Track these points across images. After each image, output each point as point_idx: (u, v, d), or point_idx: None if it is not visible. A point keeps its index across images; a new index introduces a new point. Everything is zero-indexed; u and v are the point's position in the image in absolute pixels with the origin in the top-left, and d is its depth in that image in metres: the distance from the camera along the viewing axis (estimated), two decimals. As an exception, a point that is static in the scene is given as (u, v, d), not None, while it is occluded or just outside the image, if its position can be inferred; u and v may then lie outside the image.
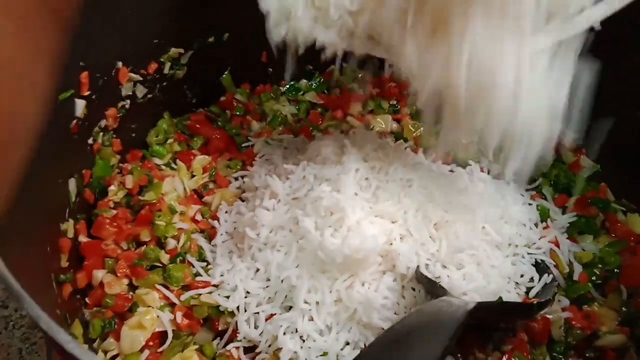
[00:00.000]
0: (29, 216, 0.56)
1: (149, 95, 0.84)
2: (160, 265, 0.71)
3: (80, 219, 0.72)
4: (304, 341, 0.64)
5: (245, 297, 0.67)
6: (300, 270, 0.66)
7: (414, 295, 0.64)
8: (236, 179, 0.82)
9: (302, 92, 0.96)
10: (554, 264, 0.73)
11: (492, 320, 0.65)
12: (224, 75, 0.93)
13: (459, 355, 0.65)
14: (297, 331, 0.64)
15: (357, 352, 0.60)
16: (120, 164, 0.80)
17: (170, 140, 0.86)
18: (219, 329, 0.68)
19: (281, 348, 0.63)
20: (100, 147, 0.77)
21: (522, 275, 0.70)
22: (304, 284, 0.64)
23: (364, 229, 0.64)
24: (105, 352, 0.64)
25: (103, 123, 0.77)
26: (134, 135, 0.84)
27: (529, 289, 0.70)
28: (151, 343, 0.65)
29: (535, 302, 0.63)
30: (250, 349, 0.66)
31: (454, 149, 0.76)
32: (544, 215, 0.79)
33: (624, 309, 0.71)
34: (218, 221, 0.76)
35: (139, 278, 0.69)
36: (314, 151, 0.76)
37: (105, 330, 0.65)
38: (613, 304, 0.72)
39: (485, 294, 0.65)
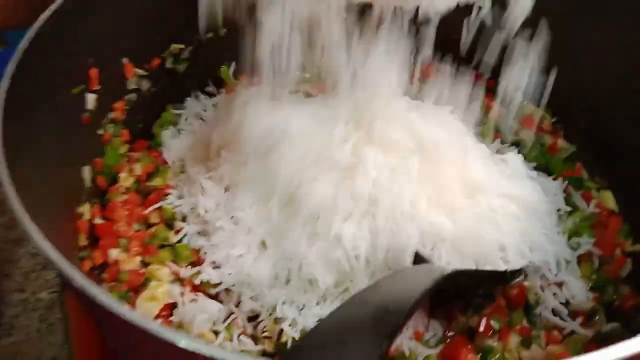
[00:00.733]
0: (51, 200, 0.63)
1: (153, 89, 0.89)
2: (169, 244, 0.77)
3: (95, 204, 0.77)
4: (301, 310, 0.69)
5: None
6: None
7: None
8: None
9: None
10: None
11: (470, 286, 0.70)
12: (222, 68, 0.98)
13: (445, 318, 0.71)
14: (294, 302, 0.69)
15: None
16: (129, 153, 0.86)
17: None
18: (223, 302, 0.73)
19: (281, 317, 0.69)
20: (110, 137, 0.82)
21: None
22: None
23: None
24: (123, 322, 0.70)
25: (112, 115, 0.82)
26: (140, 126, 0.89)
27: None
28: (164, 313, 0.71)
29: (507, 270, 0.69)
30: (253, 318, 0.71)
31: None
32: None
33: (594, 276, 0.77)
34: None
35: (150, 256, 0.75)
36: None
37: (123, 302, 0.71)
38: (585, 272, 0.78)
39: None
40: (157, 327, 0.38)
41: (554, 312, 0.74)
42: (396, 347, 0.67)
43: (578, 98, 0.91)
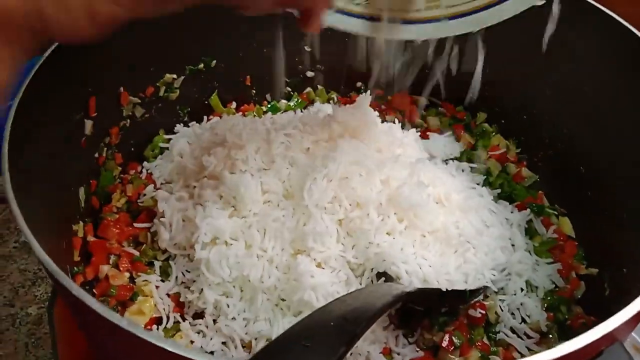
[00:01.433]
0: (49, 216, 0.68)
1: (146, 115, 0.94)
2: (157, 261, 0.82)
3: (88, 222, 0.82)
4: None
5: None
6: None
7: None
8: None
9: (281, 111, 1.07)
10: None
11: (435, 305, 0.76)
12: (212, 97, 1.04)
13: (412, 335, 0.76)
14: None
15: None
16: (122, 175, 0.91)
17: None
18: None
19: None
20: (104, 160, 0.87)
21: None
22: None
23: None
24: (110, 334, 0.75)
25: (107, 139, 0.88)
26: (133, 149, 0.94)
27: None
28: (149, 327, 0.75)
29: (467, 290, 0.75)
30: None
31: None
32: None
33: (549, 297, 0.83)
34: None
35: (138, 272, 0.80)
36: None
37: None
38: (540, 293, 0.84)
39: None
40: (150, 335, 0.43)
41: (512, 330, 0.80)
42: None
43: (541, 131, 0.99)
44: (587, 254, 0.88)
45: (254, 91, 1.08)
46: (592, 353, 0.51)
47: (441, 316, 0.77)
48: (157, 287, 0.78)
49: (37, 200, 0.63)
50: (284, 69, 0.83)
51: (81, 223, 0.80)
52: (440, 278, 0.74)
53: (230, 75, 1.03)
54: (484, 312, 0.79)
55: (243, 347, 0.72)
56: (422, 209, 0.75)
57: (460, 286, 0.74)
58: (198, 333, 0.75)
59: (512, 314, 0.81)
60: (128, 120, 0.92)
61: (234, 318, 0.74)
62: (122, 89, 0.89)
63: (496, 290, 0.80)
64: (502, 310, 0.80)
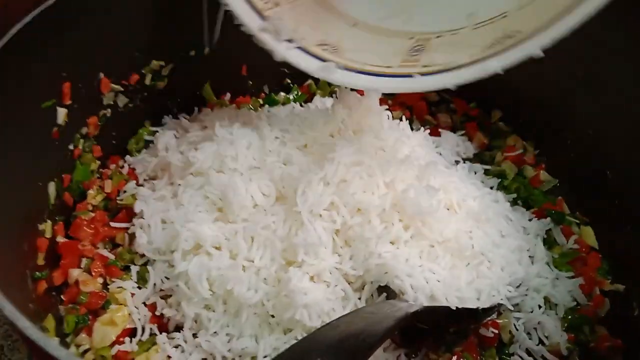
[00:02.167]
0: (5, 215, 0.60)
1: (130, 105, 0.87)
2: (134, 265, 0.74)
3: (59, 221, 0.75)
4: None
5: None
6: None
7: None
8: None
9: (280, 104, 1.01)
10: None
11: (443, 324, 0.68)
12: (205, 87, 0.96)
13: (414, 355, 0.69)
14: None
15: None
16: (101, 169, 0.84)
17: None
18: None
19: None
20: (80, 152, 0.80)
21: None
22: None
23: None
24: (78, 346, 0.67)
25: (84, 130, 0.81)
26: (114, 142, 0.87)
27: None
28: (121, 339, 0.68)
29: (479, 308, 0.67)
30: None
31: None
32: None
33: (569, 316, 0.75)
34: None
35: (112, 277, 0.73)
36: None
37: (79, 326, 0.68)
38: (560, 311, 0.76)
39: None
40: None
41: (528, 352, 0.72)
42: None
43: (563, 131, 0.90)
44: (612, 267, 0.80)
45: (251, 82, 1.01)
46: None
47: (449, 335, 0.70)
48: (132, 294, 0.72)
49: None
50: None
51: (49, 222, 0.74)
52: (450, 294, 0.66)
53: (224, 64, 0.95)
54: (496, 331, 0.71)
55: None
56: (431, 216, 0.67)
57: (472, 304, 0.66)
58: (176, 347, 0.68)
59: (529, 333, 0.73)
60: (109, 110, 0.85)
61: (215, 333, 0.67)
62: (101, 74, 0.81)
63: (511, 307, 0.71)
64: (517, 330, 0.72)
